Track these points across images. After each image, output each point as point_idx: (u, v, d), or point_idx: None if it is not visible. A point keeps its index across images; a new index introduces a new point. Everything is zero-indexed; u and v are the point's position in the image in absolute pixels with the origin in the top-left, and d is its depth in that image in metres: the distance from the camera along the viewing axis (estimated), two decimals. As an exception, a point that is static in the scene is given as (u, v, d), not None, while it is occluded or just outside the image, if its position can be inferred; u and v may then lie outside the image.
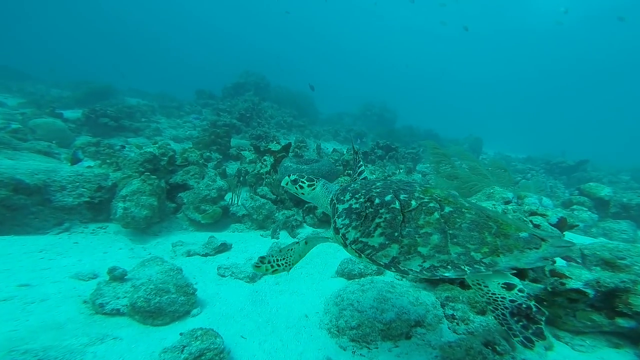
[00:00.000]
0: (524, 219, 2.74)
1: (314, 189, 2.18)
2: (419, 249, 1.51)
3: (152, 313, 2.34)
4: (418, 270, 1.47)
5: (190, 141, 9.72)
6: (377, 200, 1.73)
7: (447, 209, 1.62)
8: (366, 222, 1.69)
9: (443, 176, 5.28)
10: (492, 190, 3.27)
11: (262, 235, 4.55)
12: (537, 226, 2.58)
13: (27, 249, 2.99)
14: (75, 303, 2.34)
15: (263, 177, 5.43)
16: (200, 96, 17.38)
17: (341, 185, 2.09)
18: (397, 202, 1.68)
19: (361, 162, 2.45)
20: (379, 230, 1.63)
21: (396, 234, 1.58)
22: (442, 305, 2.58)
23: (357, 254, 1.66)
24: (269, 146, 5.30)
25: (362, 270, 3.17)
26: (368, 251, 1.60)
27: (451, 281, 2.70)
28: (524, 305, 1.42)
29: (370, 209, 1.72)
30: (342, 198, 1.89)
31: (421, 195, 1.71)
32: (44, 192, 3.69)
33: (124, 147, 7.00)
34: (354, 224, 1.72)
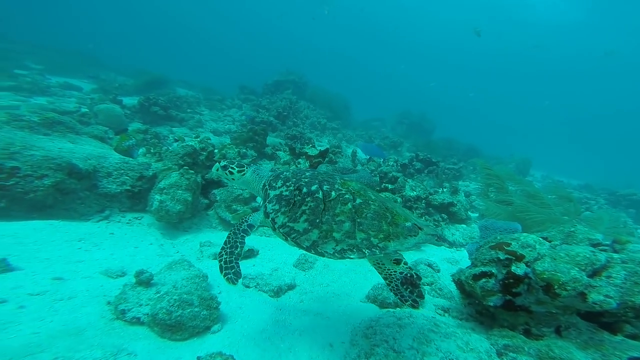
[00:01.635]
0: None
1: (243, 174, 2.26)
2: (334, 234, 1.73)
3: (171, 327, 2.15)
4: (331, 253, 1.70)
5: (228, 135, 9.85)
6: (304, 190, 1.91)
7: (358, 201, 1.85)
8: (294, 209, 1.86)
9: (494, 201, 4.59)
10: (572, 229, 2.60)
11: None
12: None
13: (69, 237, 2.99)
14: (100, 304, 2.22)
15: None
16: (242, 91, 17.72)
17: (273, 171, 2.22)
18: (320, 192, 1.87)
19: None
20: (304, 217, 1.81)
21: (317, 221, 1.78)
22: (499, 355, 2.13)
23: (283, 237, 1.85)
24: (305, 149, 5.00)
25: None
26: (293, 235, 1.79)
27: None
28: (408, 275, 1.87)
29: (298, 197, 1.89)
30: (274, 184, 2.05)
31: (340, 188, 1.91)
32: (93, 177, 3.75)
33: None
34: (282, 209, 1.89)
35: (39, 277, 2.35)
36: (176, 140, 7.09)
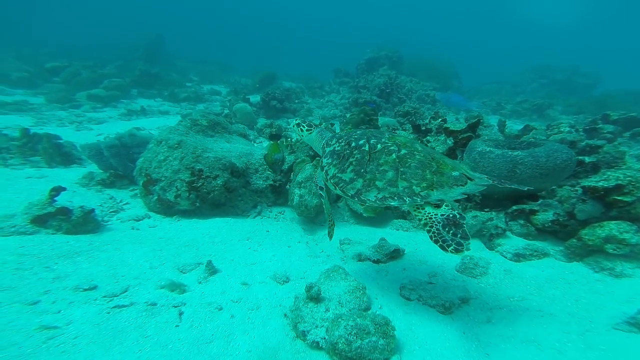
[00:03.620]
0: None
1: (310, 133, 2.52)
2: (377, 182, 1.82)
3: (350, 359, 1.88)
4: (373, 200, 1.81)
5: (336, 120, 9.62)
6: (353, 144, 2.05)
7: (403, 151, 1.89)
8: (343, 161, 2.01)
9: None
10: None
11: None
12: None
13: (240, 236, 3.23)
14: (279, 316, 2.18)
15: None
16: (337, 75, 17.17)
17: (337, 134, 2.35)
18: (367, 145, 1.98)
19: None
20: (351, 167, 1.95)
21: (362, 171, 1.89)
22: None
23: (333, 187, 2.01)
24: (445, 125, 3.92)
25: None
26: (341, 184, 1.95)
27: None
28: (450, 215, 1.73)
29: (347, 151, 2.04)
30: (330, 143, 2.24)
31: (386, 141, 1.97)
32: (246, 174, 4.03)
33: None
34: (334, 162, 2.06)
35: (232, 281, 2.52)
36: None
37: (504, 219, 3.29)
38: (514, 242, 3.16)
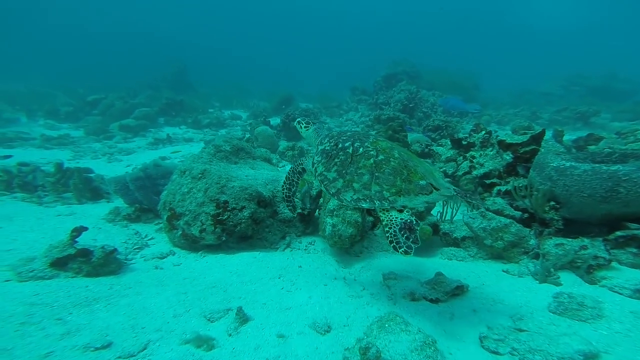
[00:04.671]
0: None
1: (307, 129, 2.76)
2: (354, 184, 1.98)
3: None
4: (349, 200, 1.98)
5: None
6: (339, 145, 2.18)
7: (380, 157, 2.02)
8: (329, 161, 2.16)
9: None
10: None
11: (505, 271, 2.96)
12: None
13: (271, 273, 2.87)
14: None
15: (480, 181, 3.64)
16: (354, 93, 17.21)
17: (329, 133, 2.48)
18: (351, 148, 2.11)
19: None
20: (335, 168, 2.10)
21: (343, 172, 2.05)
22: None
23: (319, 184, 2.19)
24: (502, 137, 3.40)
25: None
26: (325, 182, 2.11)
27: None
28: (408, 220, 1.88)
29: (334, 151, 2.18)
30: (323, 141, 2.37)
31: (368, 145, 2.09)
32: (273, 203, 3.74)
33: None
34: (322, 161, 2.21)
35: (267, 332, 2.14)
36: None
37: (603, 247, 2.68)
38: (627, 275, 2.51)
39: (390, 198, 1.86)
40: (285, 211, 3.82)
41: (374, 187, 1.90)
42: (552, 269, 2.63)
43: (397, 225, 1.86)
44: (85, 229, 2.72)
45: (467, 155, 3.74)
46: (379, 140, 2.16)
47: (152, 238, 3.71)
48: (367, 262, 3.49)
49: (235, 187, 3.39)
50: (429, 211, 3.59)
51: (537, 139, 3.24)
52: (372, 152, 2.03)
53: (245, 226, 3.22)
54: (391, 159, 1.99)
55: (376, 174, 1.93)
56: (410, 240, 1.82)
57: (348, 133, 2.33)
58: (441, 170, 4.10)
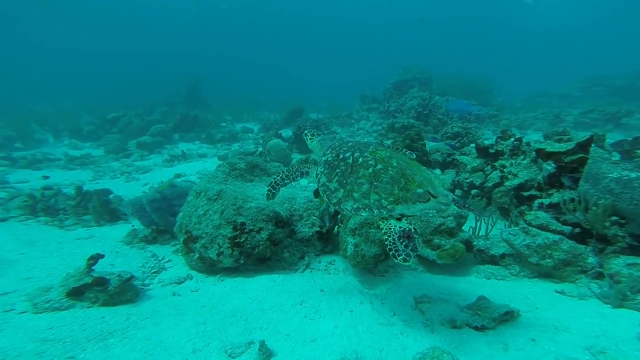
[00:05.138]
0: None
1: (312, 141, 2.86)
2: (354, 194, 1.99)
3: None
4: (349, 209, 1.99)
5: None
6: (340, 156, 2.22)
7: (379, 166, 2.04)
8: (331, 171, 2.19)
9: None
10: None
11: (559, 292, 2.66)
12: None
13: (292, 299, 2.69)
14: None
15: (516, 193, 3.32)
16: (364, 101, 17.08)
17: (332, 144, 2.53)
18: (350, 158, 2.15)
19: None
20: (336, 178, 2.13)
21: (344, 182, 2.07)
22: None
23: (322, 194, 2.20)
24: (540, 146, 3.10)
25: None
26: (327, 192, 2.14)
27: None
28: (407, 229, 1.90)
29: (335, 162, 2.22)
30: (327, 152, 2.42)
31: (368, 155, 2.12)
32: (291, 223, 3.59)
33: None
34: (325, 171, 2.24)
35: None
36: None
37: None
38: None
39: (388, 206, 1.88)
40: (304, 229, 3.65)
41: (372, 196, 1.93)
42: (628, 292, 2.29)
43: (395, 233, 1.88)
44: (102, 256, 2.66)
45: (496, 164, 3.45)
46: (378, 150, 2.17)
47: (169, 260, 3.63)
48: (393, 282, 3.24)
49: (252, 207, 3.27)
50: (460, 227, 3.32)
51: (584, 146, 2.92)
52: (370, 162, 2.06)
53: (263, 248, 3.07)
54: (389, 167, 2.02)
55: (375, 183, 1.96)
56: (409, 248, 1.84)
57: (349, 143, 2.36)
58: (467, 181, 3.83)
